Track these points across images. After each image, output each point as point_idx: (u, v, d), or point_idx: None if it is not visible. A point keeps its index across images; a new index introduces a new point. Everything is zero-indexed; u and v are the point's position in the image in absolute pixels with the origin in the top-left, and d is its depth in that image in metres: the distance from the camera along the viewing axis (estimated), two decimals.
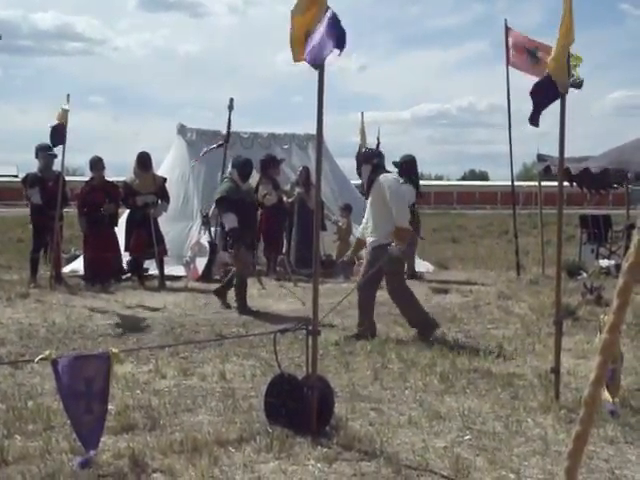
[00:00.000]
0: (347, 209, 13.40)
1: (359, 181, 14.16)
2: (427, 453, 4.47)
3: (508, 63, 12.52)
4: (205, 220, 13.18)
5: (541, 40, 11.64)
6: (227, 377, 6.17)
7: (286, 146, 14.50)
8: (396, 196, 7.63)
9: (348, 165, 14.23)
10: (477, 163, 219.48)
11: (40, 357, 4.12)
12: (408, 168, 13.25)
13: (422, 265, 13.97)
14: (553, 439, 4.73)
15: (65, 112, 11.06)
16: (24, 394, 5.58)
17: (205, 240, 12.90)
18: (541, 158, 14.03)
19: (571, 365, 6.57)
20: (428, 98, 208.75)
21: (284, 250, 13.40)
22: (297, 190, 13.32)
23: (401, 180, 8.24)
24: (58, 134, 11.05)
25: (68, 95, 11.18)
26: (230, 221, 9.15)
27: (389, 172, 8.10)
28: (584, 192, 16.56)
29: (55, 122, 11.01)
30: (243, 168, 9.49)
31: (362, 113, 13.28)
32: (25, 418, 4.98)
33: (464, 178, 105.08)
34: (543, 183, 14.40)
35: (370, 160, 7.88)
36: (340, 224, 13.43)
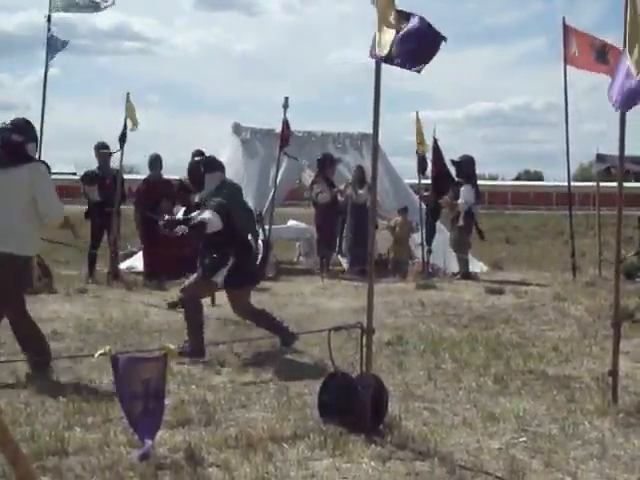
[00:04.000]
0: (404, 210, 13.31)
1: (412, 180, 14.22)
2: (482, 454, 4.43)
3: (566, 61, 12.35)
4: (259, 218, 13.25)
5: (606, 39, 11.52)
6: (281, 374, 6.21)
7: (340, 145, 14.49)
8: None
9: (402, 164, 14.13)
10: (532, 163, 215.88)
11: (99, 353, 4.18)
12: (468, 168, 13.18)
13: (476, 265, 13.86)
14: (611, 443, 4.65)
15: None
16: (83, 387, 5.70)
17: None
18: (600, 158, 13.75)
19: (629, 368, 6.44)
20: (482, 97, 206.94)
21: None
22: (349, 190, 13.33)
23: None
24: (124, 138, 11.62)
25: (128, 93, 11.38)
26: None
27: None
28: None
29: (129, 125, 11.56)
30: None
31: (417, 112, 13.13)
32: (84, 411, 5.08)
33: (518, 178, 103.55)
34: (600, 183, 14.18)
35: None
36: (389, 223, 13.36)
